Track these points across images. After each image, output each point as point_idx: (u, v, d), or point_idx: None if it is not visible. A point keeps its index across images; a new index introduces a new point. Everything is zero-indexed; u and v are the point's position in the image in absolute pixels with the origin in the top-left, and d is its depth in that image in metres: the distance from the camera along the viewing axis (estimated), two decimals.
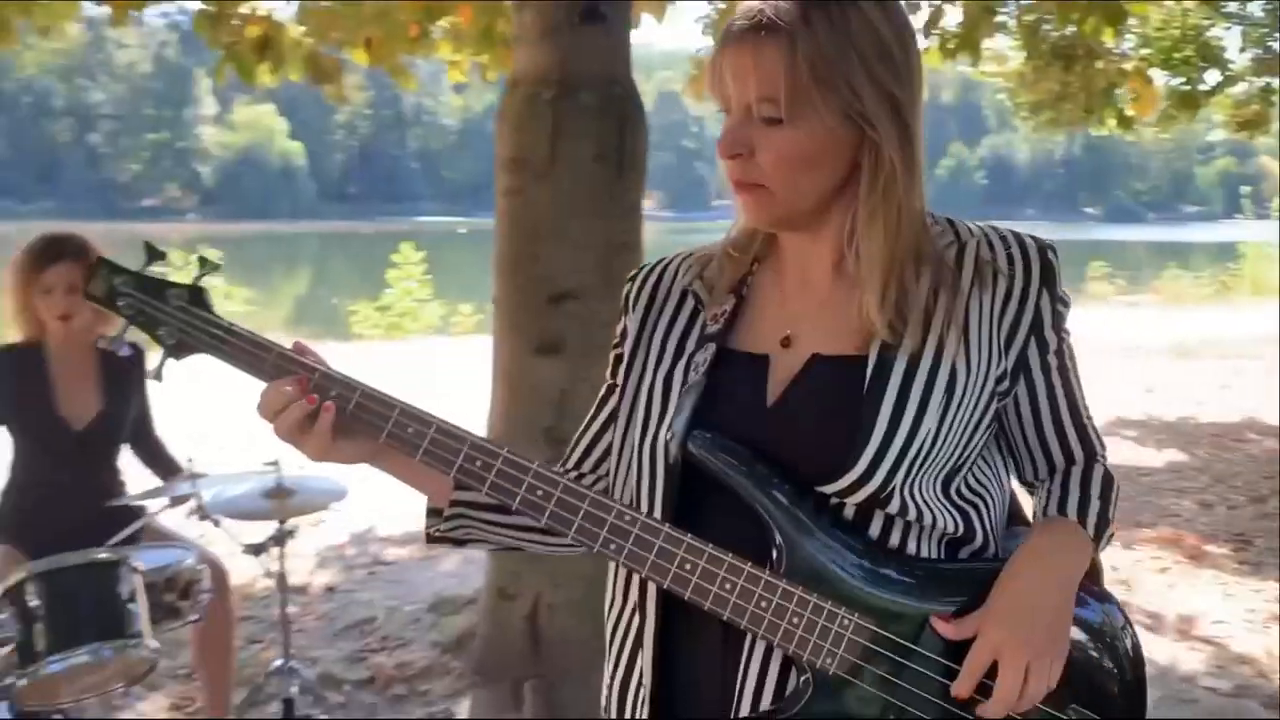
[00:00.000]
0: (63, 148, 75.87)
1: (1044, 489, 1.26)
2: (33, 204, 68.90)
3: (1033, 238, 1.22)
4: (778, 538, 1.13)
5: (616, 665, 1.25)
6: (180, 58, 72.23)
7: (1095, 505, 1.22)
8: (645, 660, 1.20)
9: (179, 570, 2.81)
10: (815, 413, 1.15)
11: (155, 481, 3.13)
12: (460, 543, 1.32)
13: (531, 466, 1.17)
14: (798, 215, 1.18)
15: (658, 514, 1.18)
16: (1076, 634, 1.17)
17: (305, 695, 3.18)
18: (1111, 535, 1.25)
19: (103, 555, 2.46)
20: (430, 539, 1.31)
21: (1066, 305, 1.22)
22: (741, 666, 1.16)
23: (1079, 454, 1.26)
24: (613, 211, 3.35)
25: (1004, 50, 8.92)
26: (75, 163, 75.40)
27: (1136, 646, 1.21)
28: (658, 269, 1.32)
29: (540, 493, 1.17)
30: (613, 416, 1.30)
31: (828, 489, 1.12)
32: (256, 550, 2.99)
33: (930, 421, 1.13)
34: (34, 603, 2.33)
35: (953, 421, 1.14)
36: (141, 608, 2.47)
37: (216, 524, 2.96)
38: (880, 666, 1.13)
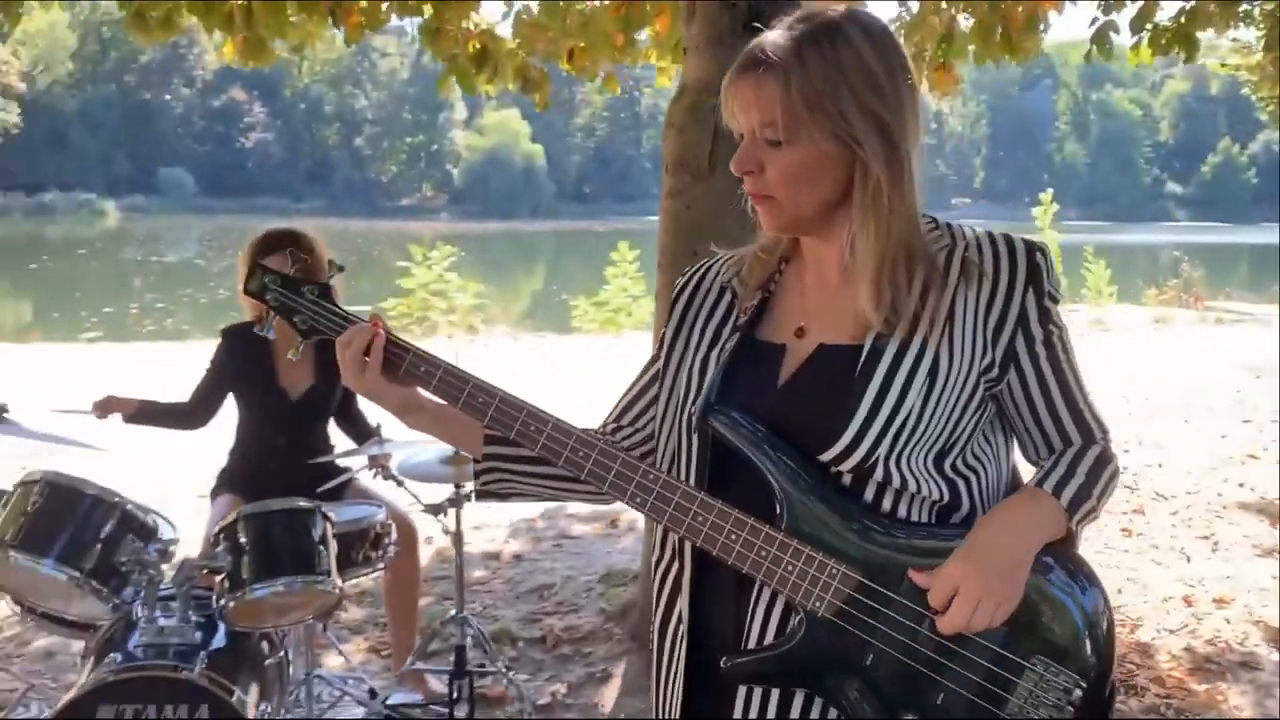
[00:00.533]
0: (332, 151, 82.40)
1: (1040, 466, 1.38)
2: (304, 203, 75.20)
3: (1024, 240, 1.35)
4: (779, 498, 1.31)
5: (658, 607, 1.47)
6: (435, 65, 76.88)
7: (1076, 481, 1.34)
8: (683, 603, 1.42)
9: (370, 524, 3.23)
10: (817, 393, 1.33)
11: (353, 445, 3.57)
12: (502, 496, 1.55)
13: (574, 431, 1.40)
14: (803, 222, 1.36)
15: (687, 476, 1.39)
16: (1052, 598, 1.30)
17: (477, 648, 3.54)
18: (1091, 510, 1.35)
19: (301, 503, 2.88)
20: (477, 495, 1.55)
21: (1055, 301, 1.34)
22: (750, 608, 1.35)
23: (1075, 437, 1.38)
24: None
25: (1251, 41, 8.39)
26: (342, 164, 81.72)
27: (1109, 623, 1.33)
28: (704, 268, 1.53)
29: (581, 454, 1.39)
30: (651, 382, 1.51)
31: (824, 457, 1.30)
32: (435, 510, 3.37)
33: (913, 402, 1.28)
34: (243, 539, 2.77)
35: (937, 403, 1.29)
36: (330, 551, 2.87)
37: (400, 484, 3.35)
38: (863, 611, 1.29)
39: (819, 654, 1.30)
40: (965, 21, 5.66)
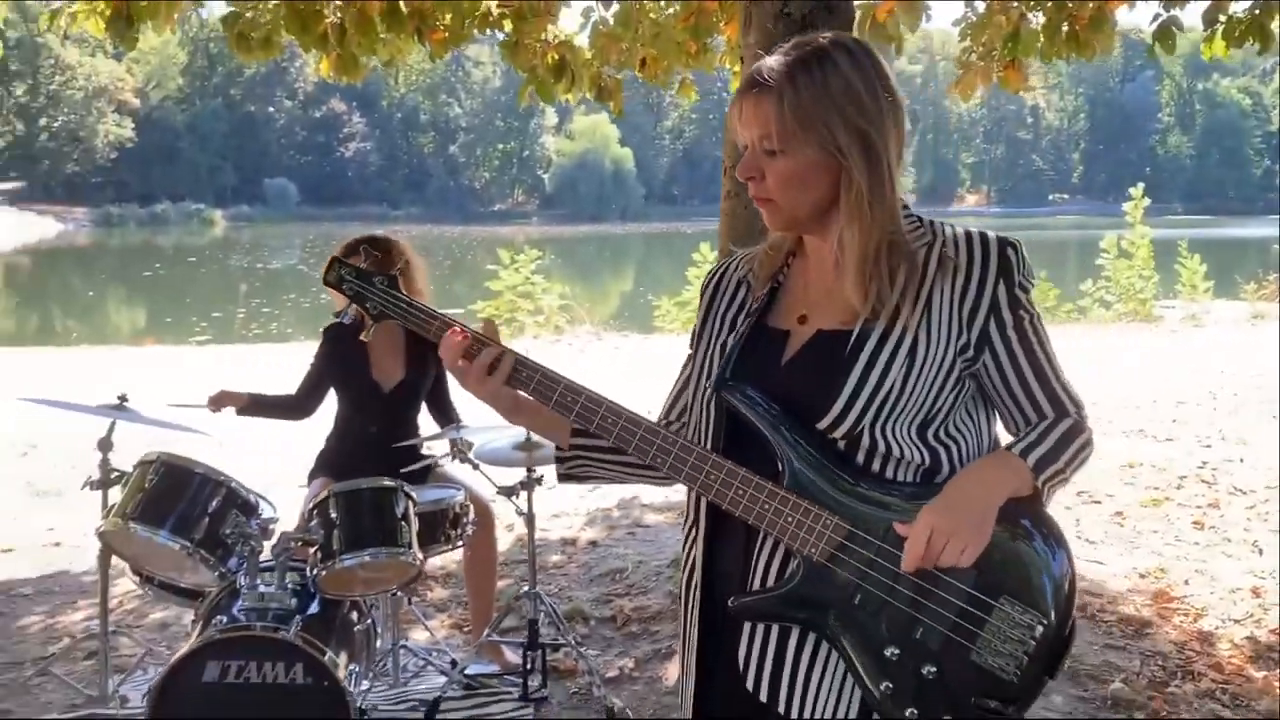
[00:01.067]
0: (427, 159, 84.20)
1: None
2: (401, 210, 77.02)
3: (998, 237, 1.53)
4: (781, 459, 1.51)
5: (684, 564, 1.68)
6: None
7: (1044, 447, 1.51)
8: (697, 553, 1.62)
9: (450, 505, 3.49)
10: (814, 371, 1.53)
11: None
12: (582, 479, 1.76)
13: (624, 411, 1.60)
14: (799, 222, 1.56)
15: (706, 442, 1.60)
16: (1019, 549, 1.47)
17: (550, 625, 3.79)
18: (1058, 473, 1.51)
19: (386, 482, 3.16)
20: (561, 478, 1.76)
21: (1026, 291, 1.52)
22: (755, 555, 1.55)
23: (1049, 410, 1.55)
24: None
25: None
26: (437, 172, 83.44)
27: (1072, 576, 1.50)
28: (726, 266, 1.74)
29: (644, 439, 1.58)
30: (690, 379, 1.71)
31: (820, 425, 1.50)
32: (508, 492, 3.62)
33: (894, 378, 1.48)
34: (334, 515, 3.06)
35: (917, 379, 1.48)
36: (412, 526, 3.14)
37: (475, 467, 3.62)
38: (852, 557, 1.48)
39: (814, 594, 1.49)
40: (1035, 19, 5.72)
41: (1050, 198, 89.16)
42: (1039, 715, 3.46)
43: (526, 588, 3.65)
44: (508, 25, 5.65)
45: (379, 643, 3.72)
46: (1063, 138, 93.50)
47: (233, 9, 5.56)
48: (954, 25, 5.96)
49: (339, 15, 5.31)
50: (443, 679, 3.65)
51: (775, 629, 1.54)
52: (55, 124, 70.54)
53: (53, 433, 7.30)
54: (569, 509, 5.79)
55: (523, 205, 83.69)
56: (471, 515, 3.58)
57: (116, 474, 3.25)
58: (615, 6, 5.84)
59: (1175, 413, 8.23)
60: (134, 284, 32.15)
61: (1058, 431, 1.53)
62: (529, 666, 3.60)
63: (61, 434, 6.70)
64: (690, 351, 1.73)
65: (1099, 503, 5.89)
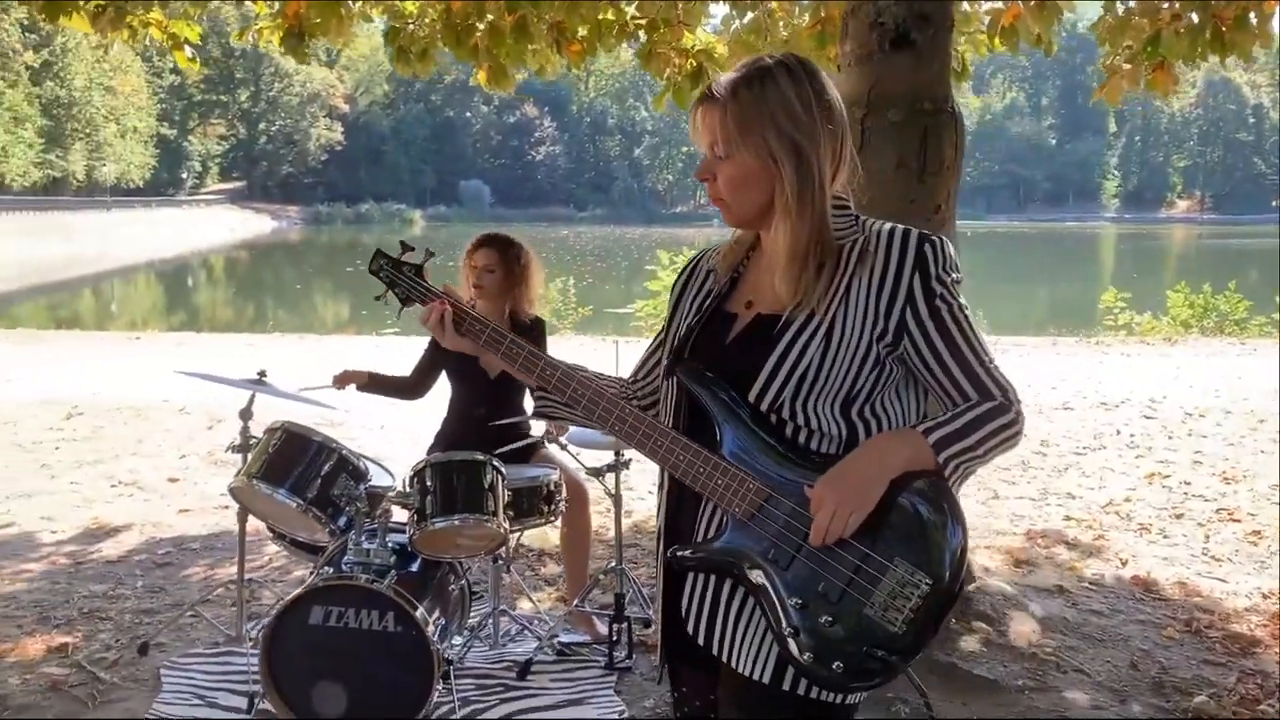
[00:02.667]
0: (613, 162, 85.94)
1: None
2: (587, 211, 78.97)
3: (920, 233, 1.68)
4: (718, 429, 1.71)
5: (657, 521, 1.89)
6: None
7: (951, 425, 1.64)
8: (661, 516, 1.84)
9: (544, 482, 3.78)
10: (748, 351, 1.72)
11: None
12: (549, 417, 1.98)
13: (576, 374, 1.82)
14: (748, 220, 1.75)
15: (668, 414, 1.80)
16: (915, 517, 1.61)
17: (636, 602, 4.02)
18: (966, 450, 1.63)
19: (477, 456, 3.47)
20: (535, 414, 2.00)
21: (944, 283, 1.66)
22: (700, 514, 1.75)
23: (972, 394, 1.68)
24: (912, 212, 3.76)
25: None
26: (623, 174, 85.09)
27: (963, 546, 1.62)
28: (699, 257, 1.93)
29: (581, 393, 1.79)
30: (658, 348, 1.92)
31: (750, 399, 1.68)
32: (596, 473, 3.88)
33: (810, 358, 1.65)
34: (429, 483, 3.39)
35: (833, 361, 1.65)
36: (498, 496, 3.44)
37: (564, 448, 3.89)
38: (770, 518, 1.66)
39: (735, 548, 1.68)
40: (1186, 18, 5.55)
41: (1274, 204, 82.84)
42: (1112, 719, 3.46)
43: (611, 563, 3.89)
44: (643, 35, 5.93)
45: (485, 608, 4.07)
46: None
47: (394, 24, 6.05)
48: (1089, 30, 5.83)
49: (484, 29, 5.71)
50: (535, 644, 3.94)
51: (712, 581, 1.73)
52: (273, 128, 75.95)
53: (236, 410, 8.07)
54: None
55: (704, 208, 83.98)
56: (564, 493, 3.86)
57: (254, 440, 3.68)
58: (749, 15, 6.02)
59: None
60: (339, 278, 34.32)
61: (972, 413, 1.65)
62: (615, 638, 3.84)
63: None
64: (661, 330, 1.94)
65: (1239, 521, 5.66)
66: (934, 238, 1.68)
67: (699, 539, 1.74)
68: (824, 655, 1.60)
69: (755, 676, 1.69)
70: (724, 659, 1.72)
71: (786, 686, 1.67)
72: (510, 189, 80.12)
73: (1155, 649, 4.03)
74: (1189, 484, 6.43)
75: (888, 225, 1.71)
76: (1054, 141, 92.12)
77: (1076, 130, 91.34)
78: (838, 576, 1.61)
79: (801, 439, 1.68)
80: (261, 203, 73.14)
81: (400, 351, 11.85)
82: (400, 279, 1.99)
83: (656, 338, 1.98)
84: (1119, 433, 7.90)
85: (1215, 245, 53.40)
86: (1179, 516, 5.76)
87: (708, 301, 1.84)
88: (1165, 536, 5.43)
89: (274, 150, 76.34)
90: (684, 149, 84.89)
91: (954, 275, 1.68)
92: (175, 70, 63.99)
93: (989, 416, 1.66)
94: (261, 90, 76.10)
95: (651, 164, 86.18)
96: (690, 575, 1.76)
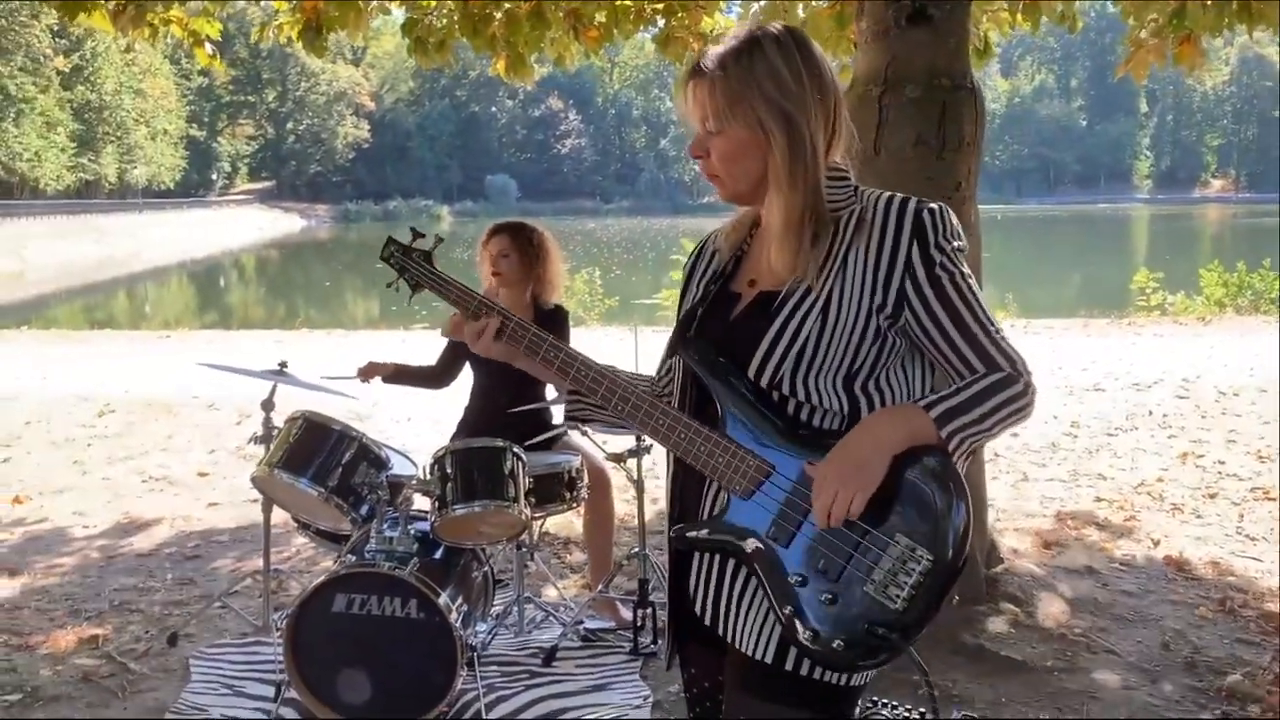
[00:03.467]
0: (639, 154, 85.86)
1: None
2: (613, 203, 78.95)
3: (916, 201, 1.64)
4: (720, 407, 1.69)
5: (667, 502, 1.87)
6: None
7: (955, 400, 1.59)
8: (668, 492, 1.82)
9: (565, 468, 3.77)
10: (750, 328, 1.69)
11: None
12: (584, 420, 1.95)
13: (594, 366, 1.78)
14: (743, 195, 1.72)
15: (678, 397, 1.78)
16: (918, 493, 1.57)
17: (658, 589, 4.00)
18: (971, 424, 1.58)
19: (497, 442, 3.47)
20: (566, 419, 1.97)
21: (944, 251, 1.61)
22: (705, 492, 1.73)
23: (979, 366, 1.63)
24: (931, 189, 3.69)
25: None
26: (649, 165, 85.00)
27: (966, 523, 1.57)
28: (707, 240, 1.91)
29: (602, 386, 1.76)
30: None
31: (750, 374, 1.66)
32: (617, 459, 3.87)
33: (808, 332, 1.62)
34: (449, 470, 3.39)
35: (831, 335, 1.62)
36: (519, 483, 3.44)
37: (584, 434, 3.88)
38: (771, 494, 1.63)
39: (737, 526, 1.66)
40: None
41: None
42: (1141, 699, 3.41)
43: (635, 549, 3.88)
44: (660, 20, 5.90)
45: (510, 595, 4.07)
46: None
47: (411, 16, 6.05)
48: (1114, 3, 5.74)
49: (502, 18, 5.70)
50: (560, 630, 3.94)
51: (717, 560, 1.71)
52: (301, 127, 76.47)
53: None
54: None
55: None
56: (586, 479, 3.85)
57: (276, 430, 3.70)
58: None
59: None
60: (368, 275, 34.52)
61: (978, 386, 1.61)
62: (639, 624, 3.84)
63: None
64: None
65: (1273, 500, 5.57)
66: (933, 205, 1.64)
67: (705, 514, 1.72)
68: (824, 633, 1.58)
69: (758, 656, 1.67)
70: (728, 639, 1.70)
71: (789, 666, 1.65)
72: (536, 183, 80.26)
73: (1188, 629, 3.97)
74: (1223, 463, 6.34)
75: (886, 194, 1.67)
76: (1084, 123, 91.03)
77: (1107, 111, 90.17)
78: (838, 554, 1.59)
79: (804, 415, 1.65)
80: (290, 202, 73.70)
81: (429, 347, 11.91)
82: (410, 265, 1.97)
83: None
84: (1151, 413, 7.79)
85: (1251, 224, 52.54)
86: (1212, 496, 5.68)
87: (712, 282, 1.82)
88: (1198, 516, 5.35)
89: (302, 149, 76.87)
90: None
91: (955, 243, 1.64)
92: (203, 72, 64.68)
93: (996, 389, 1.61)
94: (288, 90, 76.63)
95: (677, 155, 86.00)
96: (696, 555, 1.75)
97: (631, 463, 3.86)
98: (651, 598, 3.86)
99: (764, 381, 1.65)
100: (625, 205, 78.65)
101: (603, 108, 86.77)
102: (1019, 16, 5.76)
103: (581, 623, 3.96)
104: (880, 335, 1.64)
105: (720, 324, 1.75)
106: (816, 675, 1.64)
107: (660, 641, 3.87)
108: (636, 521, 4.12)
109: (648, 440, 3.87)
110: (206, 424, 7.94)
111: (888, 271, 1.62)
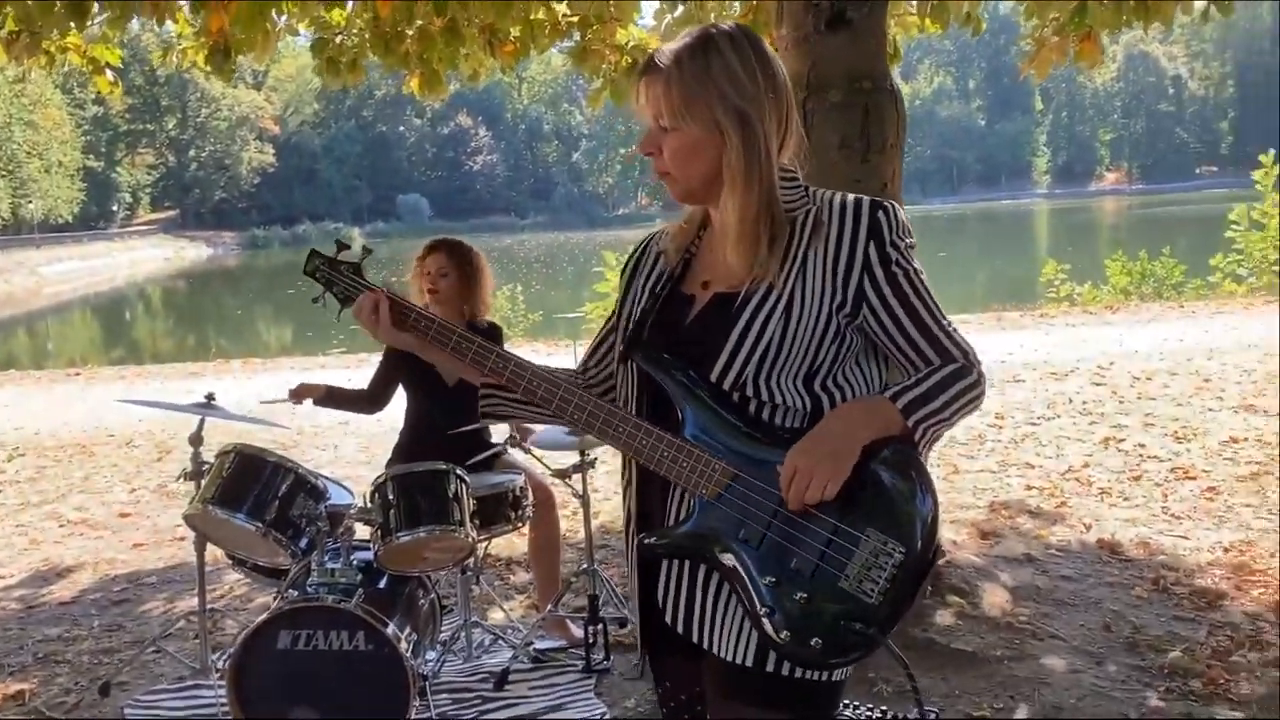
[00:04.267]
0: (552, 168, 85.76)
1: None
2: (529, 219, 78.67)
3: (871, 200, 1.65)
4: (680, 410, 1.67)
5: (624, 512, 1.84)
6: None
7: (919, 390, 1.61)
8: (631, 502, 1.79)
9: (509, 488, 3.72)
10: (708, 330, 1.68)
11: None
12: (500, 417, 1.92)
13: (529, 367, 1.75)
14: (695, 193, 1.71)
15: (627, 400, 1.76)
16: (885, 486, 1.58)
17: (610, 604, 3.97)
18: (934, 413, 1.60)
19: (439, 465, 3.40)
20: (481, 415, 1.92)
21: (898, 249, 1.63)
22: (670, 499, 1.70)
23: (934, 358, 1.65)
24: (858, 191, 3.70)
25: None
26: (563, 180, 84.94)
27: (934, 514, 1.59)
28: (648, 241, 1.88)
29: (538, 385, 1.74)
30: (609, 334, 1.87)
31: (713, 378, 1.65)
32: (561, 475, 3.82)
33: (772, 333, 1.61)
34: (391, 496, 3.32)
35: (794, 334, 1.62)
36: (464, 506, 3.38)
37: (527, 451, 3.84)
38: (737, 497, 1.62)
39: (705, 531, 1.64)
40: None
41: (1198, 171, 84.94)
42: (1088, 682, 3.48)
43: (584, 565, 3.84)
44: (576, 34, 5.88)
45: (456, 620, 4.00)
46: (1209, 107, 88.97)
47: (320, 36, 5.94)
48: (1012, 9, 5.89)
49: (415, 35, 5.62)
50: (510, 653, 3.87)
51: (686, 567, 1.69)
52: (203, 154, 74.72)
53: (184, 440, 7.91)
54: None
55: (647, 208, 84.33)
56: (531, 498, 3.80)
57: (206, 466, 3.58)
58: (680, 8, 6.00)
59: None
60: (280, 302, 33.86)
61: (936, 376, 1.63)
62: (591, 641, 3.79)
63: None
64: (610, 315, 1.89)
65: (1194, 479, 5.75)
66: (886, 204, 1.65)
67: (672, 520, 1.69)
68: (801, 633, 1.56)
69: (738, 661, 1.65)
70: (705, 646, 1.68)
71: (770, 668, 1.64)
72: (449, 201, 79.56)
73: (1126, 609, 4.06)
74: (1143, 446, 6.52)
75: (839, 195, 1.68)
76: (983, 123, 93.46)
77: (1005, 110, 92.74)
78: (810, 552, 1.58)
79: (765, 415, 1.65)
80: (196, 230, 71.90)
81: (348, 370, 11.72)
82: (338, 277, 1.92)
83: (604, 326, 1.94)
84: (1071, 400, 8.00)
85: (1144, 214, 54.52)
86: (1137, 478, 5.84)
87: (660, 284, 1.79)
88: (1125, 498, 5.49)
89: (205, 176, 75.09)
90: (622, 151, 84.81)
91: (908, 240, 1.65)
92: (98, 100, 62.81)
93: (953, 378, 1.63)
94: (189, 116, 74.83)
95: (590, 168, 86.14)
96: (664, 564, 1.72)
97: (576, 478, 3.82)
98: (602, 613, 3.82)
99: (726, 383, 1.64)
100: (541, 220, 78.37)
101: (513, 123, 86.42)
102: (927, 20, 5.88)
103: (531, 643, 3.91)
104: (840, 333, 1.64)
105: (675, 327, 1.73)
106: (799, 675, 1.63)
107: (613, 658, 3.83)
108: (578, 537, 4.10)
109: (592, 454, 3.85)
110: (124, 462, 7.66)
111: (846, 270, 1.63)
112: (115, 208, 72.12)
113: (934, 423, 1.61)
